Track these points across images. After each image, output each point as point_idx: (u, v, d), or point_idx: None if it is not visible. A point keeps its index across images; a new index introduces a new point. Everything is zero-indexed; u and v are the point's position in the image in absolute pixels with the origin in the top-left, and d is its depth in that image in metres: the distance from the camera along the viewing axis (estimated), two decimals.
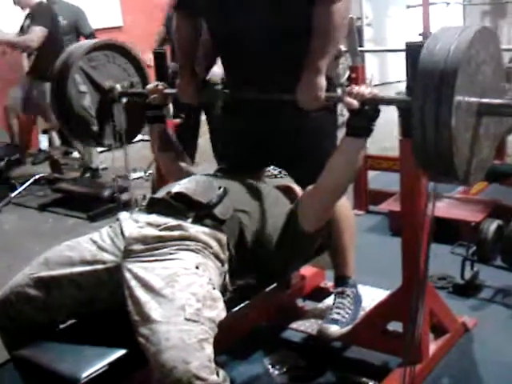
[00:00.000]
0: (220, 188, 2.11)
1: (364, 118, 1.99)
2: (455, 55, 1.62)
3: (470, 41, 1.65)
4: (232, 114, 2.53)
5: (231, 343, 2.53)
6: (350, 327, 2.50)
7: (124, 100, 2.72)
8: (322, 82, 2.14)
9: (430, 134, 1.65)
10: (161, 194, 2.14)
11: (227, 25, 2.26)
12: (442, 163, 1.69)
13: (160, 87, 2.47)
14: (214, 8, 2.27)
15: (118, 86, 2.70)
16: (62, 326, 2.01)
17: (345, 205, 2.55)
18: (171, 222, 1.97)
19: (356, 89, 1.97)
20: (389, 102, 2.07)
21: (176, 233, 1.94)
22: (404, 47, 2.01)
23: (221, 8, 2.24)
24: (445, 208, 3.81)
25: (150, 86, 2.51)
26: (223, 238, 1.99)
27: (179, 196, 2.07)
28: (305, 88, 2.15)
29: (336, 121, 2.51)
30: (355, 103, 1.96)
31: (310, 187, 2.17)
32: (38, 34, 5.33)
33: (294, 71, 2.17)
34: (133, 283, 1.82)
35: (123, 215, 2.09)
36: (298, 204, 2.17)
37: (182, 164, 2.49)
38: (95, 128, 2.73)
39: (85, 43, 2.76)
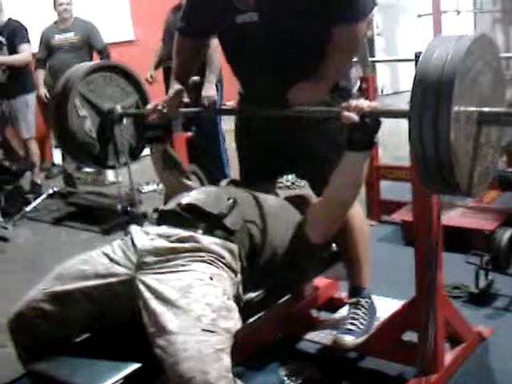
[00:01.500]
0: (229, 199, 2.11)
1: (365, 131, 1.96)
2: (452, 64, 1.59)
3: (466, 50, 1.61)
4: (243, 123, 2.55)
5: (247, 354, 2.53)
6: (364, 337, 2.50)
7: (124, 121, 2.69)
8: (323, 93, 2.16)
9: (430, 147, 1.61)
10: (171, 205, 2.15)
11: (238, 35, 2.28)
12: (444, 177, 1.64)
13: (159, 107, 2.44)
14: (226, 20, 2.29)
15: (118, 107, 2.66)
16: (76, 340, 2.01)
17: (359, 215, 2.54)
18: (182, 233, 1.97)
19: (354, 102, 1.95)
20: (388, 114, 2.06)
21: (188, 244, 1.94)
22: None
23: (233, 19, 2.25)
24: (458, 217, 3.79)
25: (148, 107, 2.50)
26: (235, 248, 2.00)
27: (190, 207, 2.07)
28: (304, 87, 2.16)
29: None
30: (354, 117, 1.93)
31: (317, 200, 2.17)
32: (29, 50, 5.71)
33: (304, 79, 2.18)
34: (147, 295, 1.83)
35: (134, 228, 2.09)
36: (306, 216, 2.18)
37: (187, 181, 2.48)
38: (97, 151, 2.69)
39: (81, 66, 2.71)
